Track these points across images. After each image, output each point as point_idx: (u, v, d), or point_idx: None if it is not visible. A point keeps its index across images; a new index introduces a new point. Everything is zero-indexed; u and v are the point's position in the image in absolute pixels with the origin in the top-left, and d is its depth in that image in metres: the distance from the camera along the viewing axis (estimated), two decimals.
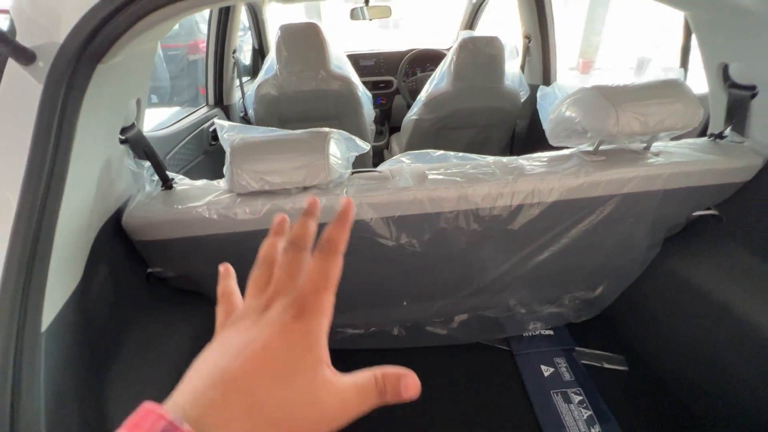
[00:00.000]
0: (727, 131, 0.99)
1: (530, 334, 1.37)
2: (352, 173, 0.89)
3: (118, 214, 0.80)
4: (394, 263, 0.97)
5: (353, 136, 0.93)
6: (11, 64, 0.56)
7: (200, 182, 0.90)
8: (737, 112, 0.97)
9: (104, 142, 0.71)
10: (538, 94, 1.11)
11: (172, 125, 1.54)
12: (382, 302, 1.23)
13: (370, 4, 2.70)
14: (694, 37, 1.04)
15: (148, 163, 0.86)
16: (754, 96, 0.92)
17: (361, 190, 0.83)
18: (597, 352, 1.29)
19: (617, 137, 0.85)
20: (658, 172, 0.88)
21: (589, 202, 0.91)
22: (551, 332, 1.37)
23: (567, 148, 0.99)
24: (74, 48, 0.56)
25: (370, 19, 2.74)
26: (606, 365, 1.26)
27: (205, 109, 1.86)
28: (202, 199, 0.82)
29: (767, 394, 0.87)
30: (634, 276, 1.25)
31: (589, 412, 1.09)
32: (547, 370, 1.23)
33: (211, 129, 1.73)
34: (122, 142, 0.81)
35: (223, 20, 1.75)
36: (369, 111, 2.16)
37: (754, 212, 0.99)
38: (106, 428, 0.64)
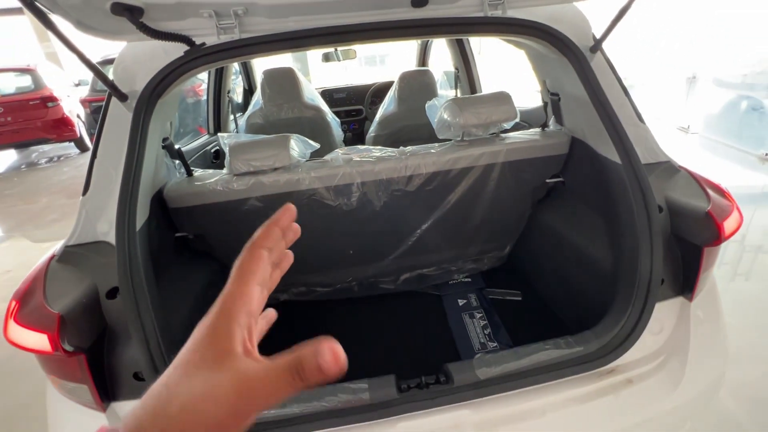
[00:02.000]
0: (551, 123, 1.52)
1: (454, 281, 1.85)
2: (307, 161, 1.41)
3: (161, 191, 1.30)
4: (338, 221, 1.46)
5: (307, 139, 1.45)
6: (114, 101, 1.09)
7: (211, 171, 1.40)
8: (555, 110, 1.50)
9: (156, 147, 1.22)
10: (427, 104, 1.64)
11: (188, 144, 2.08)
12: (339, 262, 1.71)
13: (339, 49, 3.33)
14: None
15: (178, 162, 1.37)
16: (560, 100, 1.46)
17: (310, 168, 1.34)
18: (500, 290, 1.77)
19: (468, 128, 1.37)
20: (499, 148, 1.41)
21: (458, 172, 1.42)
22: (469, 279, 1.84)
23: (450, 140, 1.51)
24: (147, 93, 1.08)
25: (340, 60, 3.36)
26: (507, 298, 1.73)
27: (207, 137, 2.40)
28: (212, 178, 1.33)
29: (585, 282, 1.34)
30: (519, 231, 1.75)
31: (485, 322, 1.56)
32: (461, 302, 1.70)
33: (212, 151, 2.26)
34: (163, 147, 1.32)
35: (219, 68, 2.32)
36: (337, 132, 2.71)
37: (576, 174, 1.51)
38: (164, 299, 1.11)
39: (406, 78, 2.36)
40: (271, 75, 2.38)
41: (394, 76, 3.68)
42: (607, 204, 1.28)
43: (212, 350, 0.27)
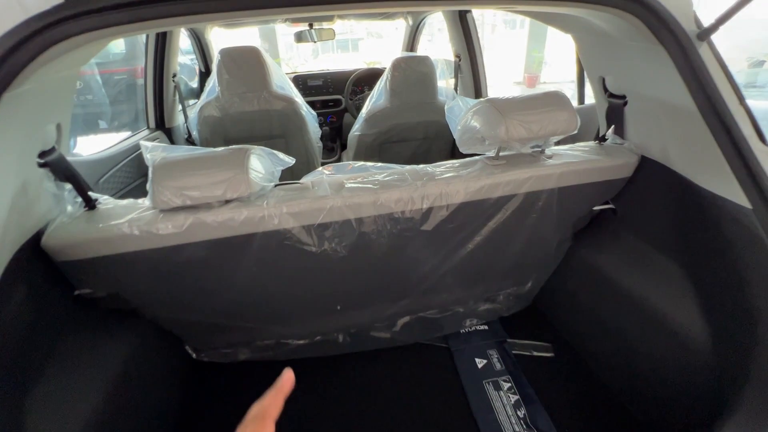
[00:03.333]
0: (609, 134, 1.13)
1: (466, 330, 1.46)
2: (276, 185, 0.95)
3: (37, 237, 0.82)
4: (323, 270, 1.03)
5: (276, 152, 1.00)
6: None
7: (125, 201, 0.93)
8: (615, 118, 1.12)
9: (16, 167, 0.73)
10: (446, 107, 1.23)
11: (107, 149, 1.55)
12: (321, 310, 1.28)
13: (315, 27, 2.83)
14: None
15: (69, 186, 0.89)
16: (625, 104, 1.08)
17: (282, 200, 0.89)
18: (526, 342, 1.40)
19: (509, 143, 0.96)
20: (550, 171, 1.01)
21: (493, 202, 1.01)
22: (485, 327, 1.46)
23: (477, 154, 1.10)
24: None
25: (315, 41, 2.86)
26: (535, 353, 1.36)
27: (145, 132, 1.87)
28: (125, 216, 0.85)
29: (661, 359, 0.98)
30: (552, 268, 1.38)
31: (517, 397, 1.18)
32: (480, 362, 1.31)
33: None
34: (42, 165, 0.83)
35: (161, 44, 1.79)
36: (315, 129, 2.24)
37: (638, 203, 1.14)
38: None
39: (401, 66, 1.91)
40: (229, 55, 1.87)
41: (369, 62, 3.23)
42: (705, 256, 0.91)
43: None
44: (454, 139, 2.29)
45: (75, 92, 0.92)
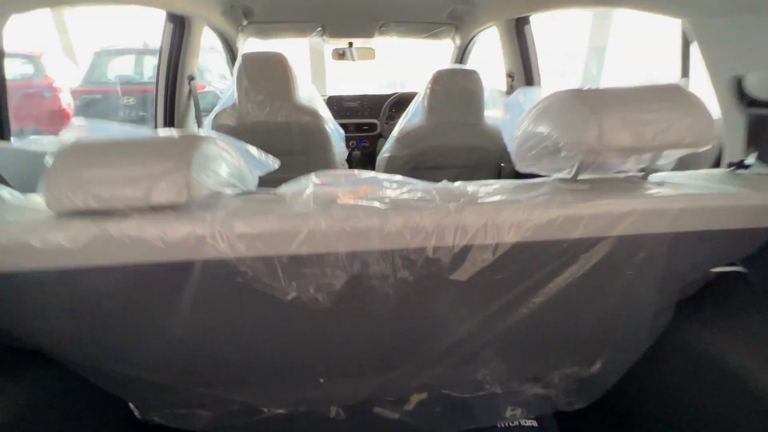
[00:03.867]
0: (750, 160, 0.75)
1: (507, 424, 1.04)
2: (240, 195, 0.65)
3: None
4: (298, 323, 0.69)
5: (250, 148, 0.71)
6: None
7: (33, 196, 0.65)
8: (760, 135, 0.74)
9: None
10: (506, 101, 0.90)
11: None
12: (300, 377, 0.93)
13: (354, 46, 2.67)
14: (695, 51, 0.85)
15: None
16: None
17: (237, 214, 0.58)
18: None
19: (602, 154, 0.61)
20: (663, 206, 0.63)
21: (567, 247, 0.65)
22: (534, 423, 1.04)
23: (539, 176, 0.75)
24: None
25: (354, 60, 2.69)
26: None
27: None
28: (7, 219, 0.57)
29: None
30: (640, 350, 0.95)
31: None
32: None
33: None
34: None
35: (177, 41, 1.63)
36: (340, 148, 1.99)
37: None
38: None
39: (443, 79, 1.63)
40: (251, 60, 1.68)
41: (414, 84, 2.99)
42: None
43: None
44: (500, 172, 1.98)
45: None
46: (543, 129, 0.66)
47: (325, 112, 1.92)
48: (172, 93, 1.70)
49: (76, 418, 0.87)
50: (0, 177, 0.73)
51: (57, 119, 6.57)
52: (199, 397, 0.99)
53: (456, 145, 1.73)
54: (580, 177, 0.69)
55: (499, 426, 1.04)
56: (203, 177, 0.58)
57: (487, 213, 0.61)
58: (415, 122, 1.72)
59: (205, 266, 0.58)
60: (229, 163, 0.65)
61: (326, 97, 2.83)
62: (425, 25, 2.26)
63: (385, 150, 1.83)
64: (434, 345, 0.85)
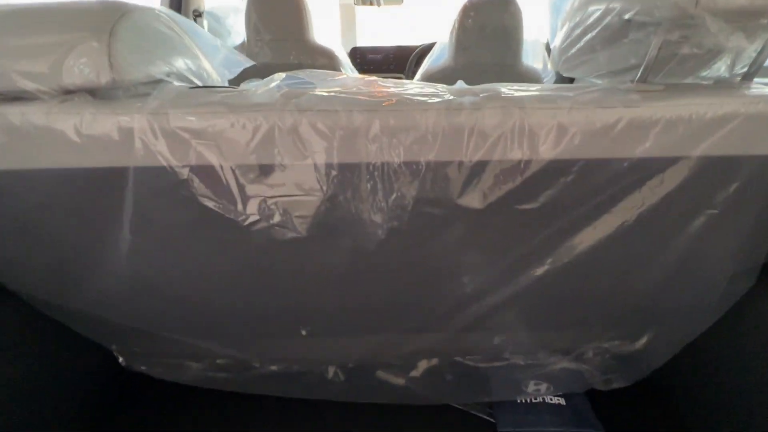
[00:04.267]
0: None
1: (529, 400, 0.89)
2: (192, 88, 0.50)
3: None
4: (266, 257, 0.56)
5: (213, 39, 0.56)
6: None
7: None
8: None
9: None
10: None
11: None
12: (286, 328, 0.81)
13: None
14: None
15: None
16: None
17: (176, 104, 0.43)
18: None
19: (698, 27, 0.41)
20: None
21: (629, 168, 0.47)
22: (562, 400, 0.89)
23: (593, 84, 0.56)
24: None
25: (379, 6, 2.47)
26: None
27: None
28: None
29: None
30: (707, 323, 0.76)
31: None
32: None
33: None
34: None
35: None
36: None
37: None
38: None
39: (474, 11, 1.41)
40: None
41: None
42: None
43: None
44: None
45: None
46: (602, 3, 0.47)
47: (343, 56, 1.75)
48: None
49: (51, 361, 0.80)
50: None
51: None
52: (185, 347, 0.91)
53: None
54: (654, 80, 0.50)
55: (519, 401, 0.89)
56: (135, 55, 0.44)
57: (516, 113, 0.43)
58: (441, 62, 1.52)
59: (138, 174, 0.45)
60: (180, 48, 0.50)
61: (348, 50, 2.64)
62: None
63: None
64: (441, 299, 0.70)
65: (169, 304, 0.70)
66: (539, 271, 0.60)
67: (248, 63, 0.61)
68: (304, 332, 0.77)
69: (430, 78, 1.51)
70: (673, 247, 0.60)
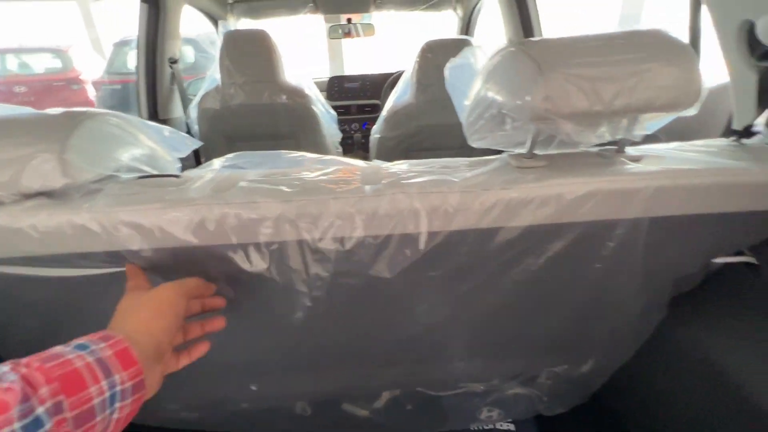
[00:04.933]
0: (760, 126, 0.61)
1: (482, 427, 0.96)
2: (141, 177, 0.58)
3: None
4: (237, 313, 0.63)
5: (162, 127, 0.63)
6: None
7: None
8: None
9: None
10: (447, 66, 0.77)
11: None
12: (256, 370, 0.87)
13: (353, 22, 2.54)
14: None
15: None
16: None
17: (121, 201, 0.51)
18: None
19: (555, 122, 0.49)
20: (635, 185, 0.52)
21: (520, 235, 0.54)
22: (512, 426, 0.95)
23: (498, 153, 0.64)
24: None
25: (353, 37, 2.57)
26: None
27: None
28: None
29: None
30: (629, 352, 0.84)
31: None
32: None
33: None
34: None
35: (153, 23, 1.57)
36: (332, 131, 1.91)
37: None
38: None
39: (432, 51, 1.50)
40: (233, 38, 1.61)
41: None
42: None
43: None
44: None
45: None
46: (489, 93, 0.55)
47: (315, 93, 1.83)
48: (153, 78, 1.65)
49: None
50: None
51: None
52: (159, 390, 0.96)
53: (451, 123, 1.59)
54: (543, 152, 0.58)
55: (473, 429, 0.95)
56: (85, 159, 0.51)
57: (410, 198, 0.51)
58: (403, 100, 1.61)
59: (89, 259, 0.52)
60: (130, 144, 0.58)
61: (328, 79, 2.73)
62: None
63: (375, 131, 1.73)
64: (399, 337, 0.77)
65: None
66: (483, 310, 0.68)
67: (195, 144, 0.67)
68: (253, 387, 0.83)
69: (395, 115, 1.59)
70: (582, 290, 0.68)
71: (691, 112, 0.51)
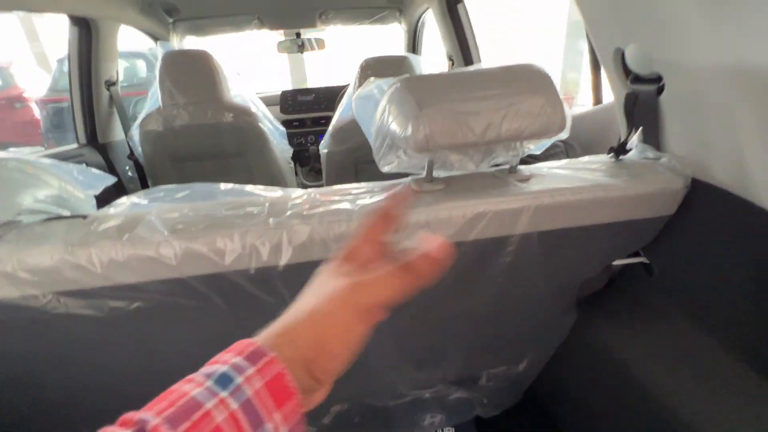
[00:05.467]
0: (633, 143, 0.68)
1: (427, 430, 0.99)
2: (45, 220, 0.58)
3: None
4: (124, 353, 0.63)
5: (71, 166, 0.63)
6: None
7: None
8: (644, 115, 0.66)
9: None
10: (354, 98, 0.82)
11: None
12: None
13: (303, 36, 2.56)
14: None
15: None
16: (660, 91, 0.63)
17: (25, 244, 0.50)
18: None
19: (436, 153, 0.54)
20: (518, 204, 0.57)
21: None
22: (452, 431, 0.99)
23: (404, 176, 0.68)
24: None
25: (303, 52, 2.59)
26: None
27: (72, 147, 1.60)
28: None
29: None
30: (551, 350, 0.90)
31: None
32: None
33: None
34: None
35: (84, 42, 1.53)
36: (283, 147, 1.92)
37: (687, 259, 0.66)
38: None
39: (371, 68, 1.55)
40: (172, 59, 1.59)
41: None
42: None
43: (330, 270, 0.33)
44: None
45: None
46: (383, 126, 0.59)
47: (262, 110, 1.84)
48: (89, 101, 1.60)
49: None
50: None
51: (29, 130, 6.44)
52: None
53: None
54: (438, 175, 0.62)
55: None
56: None
57: (308, 227, 0.54)
58: (347, 115, 1.64)
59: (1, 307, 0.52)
60: (33, 187, 0.58)
61: (280, 93, 2.73)
62: (367, 9, 2.15)
63: (323, 145, 1.75)
64: None
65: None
66: (420, 322, 0.71)
67: (110, 180, 0.67)
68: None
69: (340, 130, 1.62)
70: (497, 298, 0.73)
71: (562, 136, 0.57)
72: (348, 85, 2.65)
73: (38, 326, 0.54)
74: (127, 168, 1.80)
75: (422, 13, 2.08)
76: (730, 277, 0.59)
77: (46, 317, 0.53)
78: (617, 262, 0.76)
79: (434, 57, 2.60)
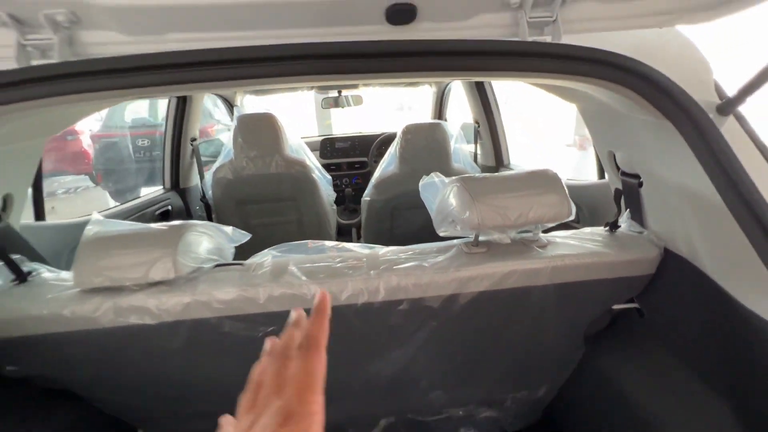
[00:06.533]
0: (624, 221, 0.93)
1: None
2: (216, 266, 0.86)
3: None
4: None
5: (226, 228, 0.92)
6: None
7: (62, 274, 0.87)
8: (631, 200, 0.92)
9: None
10: (420, 184, 1.09)
11: (113, 208, 1.59)
12: None
13: (343, 94, 2.92)
14: None
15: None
16: (641, 184, 0.89)
17: (215, 285, 0.78)
18: None
19: (483, 230, 0.80)
20: (539, 265, 0.82)
21: (471, 300, 0.83)
22: None
23: (454, 238, 0.94)
24: None
25: (344, 107, 2.94)
26: None
27: (160, 191, 1.93)
28: (49, 294, 0.79)
29: None
30: (563, 377, 1.12)
31: None
32: None
33: (157, 213, 1.77)
34: None
35: (181, 110, 1.89)
36: (328, 192, 2.22)
37: (667, 306, 0.89)
38: None
39: (411, 133, 1.85)
40: (245, 121, 1.93)
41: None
42: (756, 392, 0.66)
43: None
44: None
45: (38, 162, 0.93)
46: (447, 206, 0.86)
47: (313, 162, 2.14)
48: (177, 154, 1.95)
49: None
50: (39, 256, 0.95)
51: (78, 160, 7.04)
52: (209, 424, 1.17)
53: None
54: (481, 240, 0.89)
55: None
56: (186, 257, 0.79)
57: (402, 276, 0.80)
58: (389, 170, 1.94)
59: (193, 325, 0.79)
60: (208, 242, 0.86)
61: (322, 139, 3.08)
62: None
63: (366, 194, 2.04)
64: (383, 376, 1.03)
65: (197, 396, 0.99)
66: (458, 351, 0.95)
67: (246, 237, 0.95)
68: None
69: (382, 183, 1.91)
70: (521, 335, 0.96)
71: (568, 219, 0.83)
72: (382, 134, 3.00)
73: (205, 341, 0.80)
74: (197, 207, 2.12)
75: (450, 81, 2.42)
76: (695, 322, 0.82)
77: (213, 336, 0.80)
78: (616, 307, 0.99)
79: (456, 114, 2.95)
